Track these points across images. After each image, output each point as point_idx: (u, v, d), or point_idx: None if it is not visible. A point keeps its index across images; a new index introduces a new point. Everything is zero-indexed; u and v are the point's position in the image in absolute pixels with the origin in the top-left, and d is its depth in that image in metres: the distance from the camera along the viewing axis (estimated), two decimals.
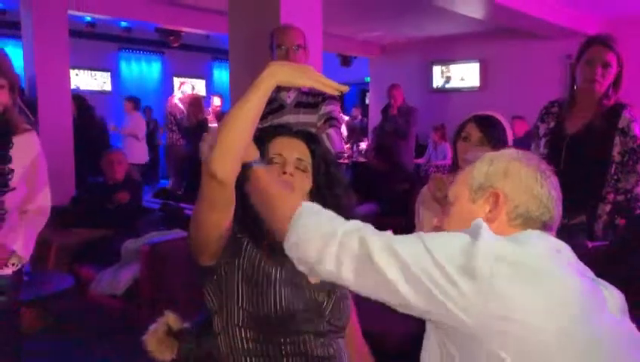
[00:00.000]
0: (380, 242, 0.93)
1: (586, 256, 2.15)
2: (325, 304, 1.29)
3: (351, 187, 1.43)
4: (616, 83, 2.36)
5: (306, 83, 1.15)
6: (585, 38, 2.49)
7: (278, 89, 2.57)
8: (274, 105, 2.63)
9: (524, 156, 1.05)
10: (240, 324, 1.23)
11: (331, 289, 1.31)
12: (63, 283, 3.01)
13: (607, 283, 0.99)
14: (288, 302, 1.22)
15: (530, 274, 0.87)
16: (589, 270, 1.00)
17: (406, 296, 0.90)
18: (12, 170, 1.90)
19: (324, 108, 2.63)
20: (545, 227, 1.01)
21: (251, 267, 1.25)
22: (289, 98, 2.67)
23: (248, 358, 1.22)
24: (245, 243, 1.28)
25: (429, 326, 0.99)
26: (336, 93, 1.20)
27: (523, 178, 1.00)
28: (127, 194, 4.04)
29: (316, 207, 1.06)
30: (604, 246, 2.19)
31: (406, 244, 0.92)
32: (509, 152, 1.07)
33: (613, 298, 0.97)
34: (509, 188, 1.00)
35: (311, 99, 2.64)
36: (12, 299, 2.08)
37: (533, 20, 6.02)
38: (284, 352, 1.23)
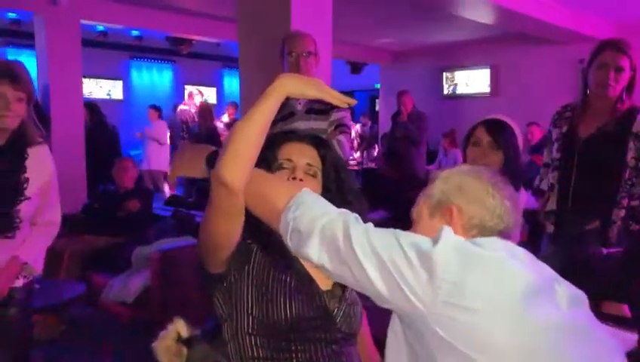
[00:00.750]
0: (361, 229, 1.02)
1: (600, 262, 2.13)
2: (336, 311, 1.28)
3: (362, 193, 1.42)
4: (629, 87, 2.33)
5: (315, 95, 1.18)
6: (597, 42, 2.46)
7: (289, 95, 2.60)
8: (284, 112, 2.62)
9: (477, 171, 1.15)
10: (250, 332, 1.22)
11: (342, 295, 1.30)
12: (74, 290, 3.02)
13: (562, 280, 1.05)
14: (298, 309, 1.21)
15: (481, 264, 0.95)
16: (547, 268, 1.06)
17: (374, 282, 0.98)
18: (27, 179, 1.91)
19: (335, 115, 2.63)
20: (501, 235, 1.08)
21: (261, 274, 1.24)
22: (299, 105, 2.67)
23: None
24: (255, 249, 1.27)
25: (394, 320, 1.07)
26: (344, 106, 1.23)
27: (475, 192, 1.09)
28: (137, 202, 4.06)
29: (314, 193, 1.15)
30: (619, 252, 2.16)
31: (380, 234, 1.01)
32: (464, 169, 1.17)
33: (564, 292, 1.01)
34: (464, 203, 1.09)
35: (321, 106, 2.63)
36: (22, 311, 2.08)
37: (543, 25, 5.99)
38: (294, 360, 1.21)
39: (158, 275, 3.14)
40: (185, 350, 1.27)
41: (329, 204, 1.13)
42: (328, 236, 1.03)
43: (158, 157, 7.44)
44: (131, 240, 3.74)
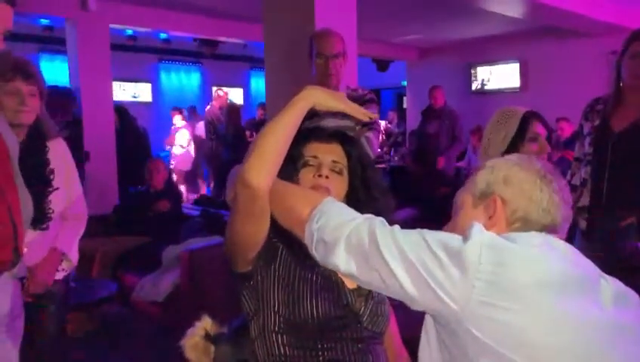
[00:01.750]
0: (387, 232, 1.00)
1: (637, 259, 2.06)
2: (362, 309, 1.27)
3: (389, 191, 1.40)
4: None
5: (340, 108, 1.22)
6: (629, 32, 2.39)
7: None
8: (311, 112, 2.61)
9: (525, 161, 1.09)
10: (276, 330, 1.22)
11: (368, 294, 1.29)
12: (107, 289, 3.08)
13: (609, 277, 1.01)
14: (325, 308, 1.21)
15: (515, 260, 0.92)
16: (591, 264, 1.02)
17: (403, 284, 0.96)
18: (53, 171, 1.96)
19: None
20: (546, 229, 1.03)
21: (287, 272, 1.24)
22: None
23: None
24: (281, 248, 1.27)
25: (427, 320, 1.04)
26: (366, 120, 1.27)
27: (522, 183, 1.04)
28: (167, 202, 4.13)
29: (337, 201, 1.15)
30: None
31: (407, 236, 0.99)
32: (511, 158, 1.11)
33: (609, 289, 0.98)
34: (509, 194, 1.04)
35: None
36: (61, 306, 2.15)
37: (574, 17, 5.84)
38: (321, 358, 1.21)
39: (188, 274, 3.18)
40: (212, 347, 1.28)
41: (353, 211, 1.11)
42: (354, 243, 1.02)
43: (179, 157, 7.58)
44: (161, 240, 3.80)
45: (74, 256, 2.13)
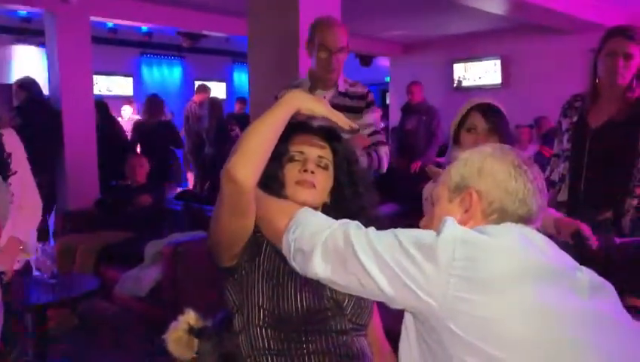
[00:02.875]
0: (362, 235, 1.03)
1: (614, 253, 2.11)
2: (346, 301, 1.28)
3: (374, 186, 1.42)
4: (639, 75, 2.30)
5: (325, 114, 1.22)
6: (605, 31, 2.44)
7: (314, 87, 2.45)
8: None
9: (498, 152, 1.08)
10: (261, 324, 1.23)
11: None
12: (88, 284, 3.04)
13: (585, 269, 1.02)
14: (309, 301, 1.22)
15: (489, 253, 0.93)
16: (567, 256, 1.04)
17: (380, 285, 0.98)
18: (10, 154, 1.99)
19: (367, 118, 2.43)
20: (523, 220, 1.04)
21: (271, 266, 1.25)
22: (324, 99, 2.47)
23: (269, 357, 1.22)
24: (265, 242, 1.28)
25: (406, 317, 1.05)
26: (347, 129, 1.26)
27: (496, 175, 1.04)
28: (149, 197, 4.10)
29: (312, 210, 1.19)
30: (632, 241, 2.13)
31: (381, 237, 1.01)
32: (484, 150, 1.10)
33: (585, 280, 0.99)
34: (484, 186, 1.04)
35: (348, 101, 2.42)
36: (18, 302, 2.13)
37: (554, 15, 5.91)
38: (305, 351, 1.22)
39: (170, 269, 3.17)
40: (196, 341, 1.28)
41: (328, 218, 1.14)
42: (331, 249, 1.04)
43: None
44: (144, 235, 3.78)
45: (32, 246, 2.14)
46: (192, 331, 1.29)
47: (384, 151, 2.43)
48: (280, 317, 1.21)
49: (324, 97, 2.38)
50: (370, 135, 2.41)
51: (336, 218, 1.14)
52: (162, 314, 3.11)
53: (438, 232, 0.96)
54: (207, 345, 1.24)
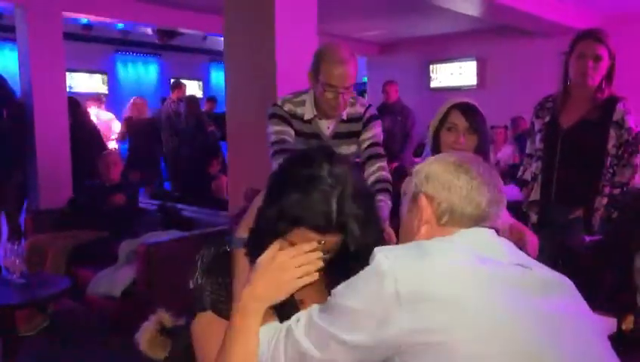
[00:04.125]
0: (297, 333, 0.98)
1: (583, 250, 2.15)
2: None
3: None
4: (609, 76, 2.36)
5: (287, 293, 1.06)
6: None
7: (319, 117, 2.25)
8: (310, 130, 2.26)
9: (440, 156, 1.14)
10: None
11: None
12: (59, 284, 2.99)
13: (539, 265, 1.02)
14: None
15: (428, 276, 0.90)
16: (521, 254, 1.03)
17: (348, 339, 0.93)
18: None
19: (368, 133, 2.30)
20: (474, 219, 1.04)
21: None
22: (328, 130, 2.28)
23: None
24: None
25: None
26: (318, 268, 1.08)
27: (439, 176, 1.07)
28: (123, 196, 4.04)
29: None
30: (600, 240, 2.19)
31: (313, 322, 0.97)
32: (429, 158, 1.14)
33: (536, 278, 0.98)
34: (431, 189, 1.07)
35: (348, 127, 2.29)
36: None
37: (530, 18, 6.01)
38: None
39: (145, 268, 3.12)
40: (168, 341, 1.27)
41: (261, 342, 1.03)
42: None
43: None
44: (118, 234, 3.72)
45: None
46: (164, 331, 1.27)
47: (384, 200, 2.16)
48: None
49: (328, 128, 2.27)
50: (366, 148, 2.29)
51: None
52: (136, 314, 3.06)
53: (374, 271, 0.93)
54: (180, 344, 1.22)
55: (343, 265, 1.10)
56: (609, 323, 1.48)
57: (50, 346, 3.28)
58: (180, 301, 1.33)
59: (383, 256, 0.94)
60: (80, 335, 3.43)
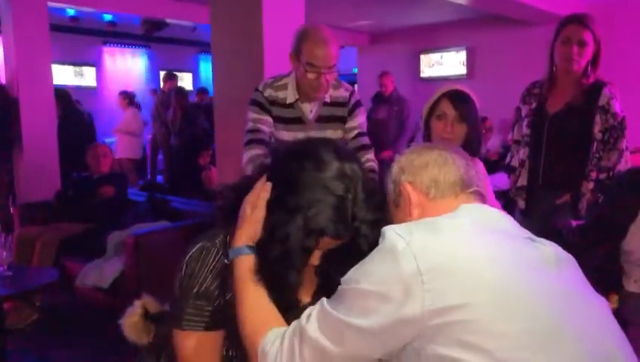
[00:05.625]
0: (311, 329, 0.95)
1: (569, 234, 2.16)
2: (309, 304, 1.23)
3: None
4: (594, 61, 2.36)
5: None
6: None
7: (301, 100, 2.23)
8: (293, 115, 2.24)
9: (411, 147, 1.19)
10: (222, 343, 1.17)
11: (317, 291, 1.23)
12: (47, 276, 2.96)
13: (542, 240, 1.02)
14: None
15: (447, 255, 0.89)
16: (527, 232, 1.04)
17: (366, 341, 0.91)
18: None
19: (353, 122, 2.29)
20: (461, 187, 1.06)
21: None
22: (311, 113, 2.26)
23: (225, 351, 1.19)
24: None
25: None
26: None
27: (414, 161, 1.11)
28: (111, 188, 4.01)
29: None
30: (586, 222, 2.19)
31: (327, 316, 0.94)
32: (399, 156, 1.17)
33: (551, 254, 0.98)
34: (410, 176, 1.10)
35: (332, 111, 2.27)
36: None
37: (519, 6, 6.01)
38: None
39: (133, 259, 3.11)
40: (152, 326, 1.26)
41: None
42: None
43: (126, 145, 7.27)
44: (106, 226, 3.70)
45: None
46: (148, 316, 1.26)
47: (371, 157, 2.24)
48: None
49: (311, 111, 2.26)
50: (353, 138, 2.27)
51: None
52: (125, 305, 3.05)
53: (391, 252, 0.91)
54: (164, 329, 1.22)
55: (335, 252, 1.12)
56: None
57: (39, 338, 3.27)
58: (168, 291, 1.33)
59: (396, 235, 0.92)
60: (69, 327, 3.42)
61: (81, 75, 9.28)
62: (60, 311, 3.60)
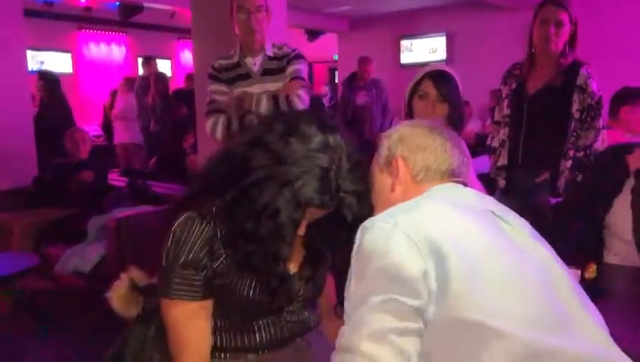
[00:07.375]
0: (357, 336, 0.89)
1: (548, 211, 2.20)
2: (302, 290, 1.25)
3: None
4: (571, 41, 2.40)
5: None
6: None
7: (244, 54, 2.56)
8: (241, 72, 2.56)
9: (413, 122, 1.22)
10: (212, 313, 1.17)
11: (311, 277, 1.25)
12: (26, 261, 2.93)
13: (510, 216, 1.04)
14: (261, 295, 1.16)
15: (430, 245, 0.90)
16: (499, 204, 1.07)
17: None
18: None
19: (291, 68, 2.55)
20: (447, 175, 1.10)
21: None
22: (255, 66, 2.57)
23: (218, 333, 1.19)
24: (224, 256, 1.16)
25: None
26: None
27: (414, 138, 1.12)
28: (90, 173, 3.97)
29: None
30: (564, 198, 2.24)
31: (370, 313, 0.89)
32: (402, 123, 1.21)
33: (518, 228, 1.02)
34: (407, 151, 1.11)
35: (276, 64, 2.55)
36: None
37: None
38: (256, 327, 1.19)
39: (115, 243, 3.09)
40: (140, 298, 1.26)
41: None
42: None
43: (131, 130, 7.15)
44: (86, 211, 3.65)
45: None
46: (135, 288, 1.26)
47: (303, 92, 2.51)
48: (229, 307, 1.17)
49: (255, 64, 2.55)
50: (291, 80, 2.51)
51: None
52: (106, 289, 3.03)
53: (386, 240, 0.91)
54: (153, 301, 1.21)
55: (320, 221, 1.15)
56: (574, 275, 1.53)
57: (20, 325, 3.23)
58: (152, 274, 1.32)
59: (379, 222, 0.94)
60: (49, 313, 3.38)
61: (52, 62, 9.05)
62: (39, 296, 3.56)
